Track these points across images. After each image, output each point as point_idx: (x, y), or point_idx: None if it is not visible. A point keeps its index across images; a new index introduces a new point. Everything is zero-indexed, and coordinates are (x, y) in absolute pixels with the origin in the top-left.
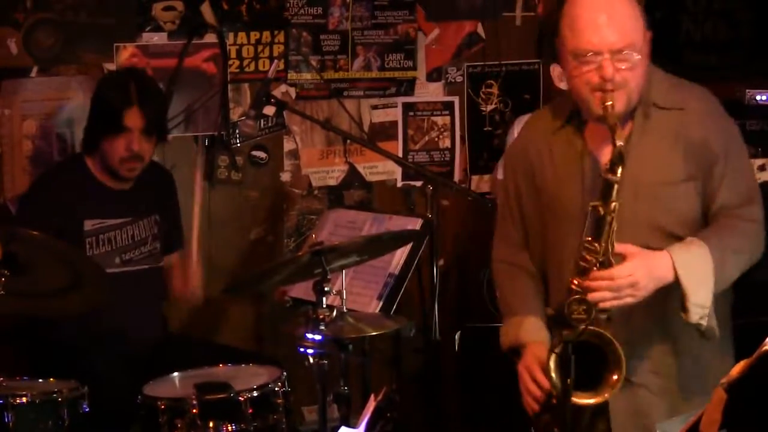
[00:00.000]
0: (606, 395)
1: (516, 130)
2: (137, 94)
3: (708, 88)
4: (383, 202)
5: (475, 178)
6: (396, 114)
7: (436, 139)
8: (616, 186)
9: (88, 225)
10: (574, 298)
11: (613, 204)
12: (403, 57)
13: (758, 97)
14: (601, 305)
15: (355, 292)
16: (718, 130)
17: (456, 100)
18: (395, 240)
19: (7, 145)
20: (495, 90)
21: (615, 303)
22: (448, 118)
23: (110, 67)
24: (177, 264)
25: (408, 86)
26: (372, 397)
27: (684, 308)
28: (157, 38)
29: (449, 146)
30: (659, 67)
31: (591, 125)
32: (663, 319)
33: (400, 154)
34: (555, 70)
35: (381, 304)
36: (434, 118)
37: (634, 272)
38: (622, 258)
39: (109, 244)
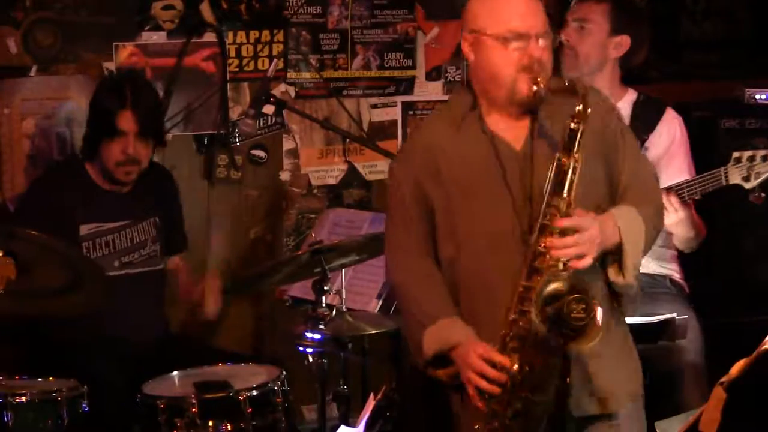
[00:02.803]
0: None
1: None
2: (131, 97)
3: (708, 87)
4: (382, 201)
5: None
6: (395, 113)
7: None
8: (579, 135)
9: (85, 229)
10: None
11: (577, 155)
12: (402, 56)
13: (758, 96)
14: (565, 258)
15: (355, 291)
16: (613, 115)
17: None
18: None
19: (6, 144)
20: None
21: (579, 260)
22: None
23: (110, 66)
24: (182, 268)
25: (407, 85)
26: (371, 396)
27: (620, 270)
28: (157, 37)
29: None
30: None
31: (492, 116)
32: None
33: None
34: None
35: (380, 303)
36: None
37: (594, 225)
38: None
39: (107, 248)
